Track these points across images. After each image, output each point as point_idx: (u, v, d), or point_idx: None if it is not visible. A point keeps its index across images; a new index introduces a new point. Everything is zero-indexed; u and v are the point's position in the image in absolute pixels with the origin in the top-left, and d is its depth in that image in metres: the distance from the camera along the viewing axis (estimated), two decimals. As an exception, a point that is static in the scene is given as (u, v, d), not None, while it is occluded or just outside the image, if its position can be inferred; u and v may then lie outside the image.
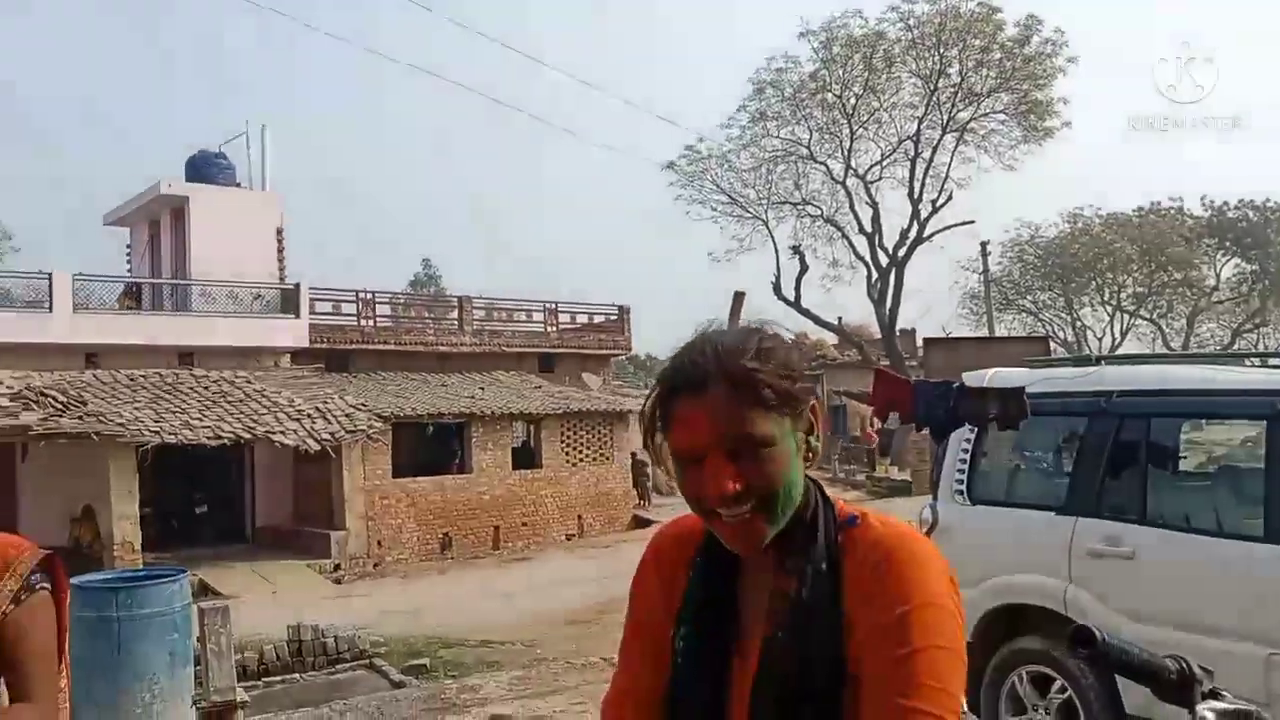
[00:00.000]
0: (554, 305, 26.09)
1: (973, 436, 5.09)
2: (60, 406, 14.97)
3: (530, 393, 21.79)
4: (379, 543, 17.73)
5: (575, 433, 21.04)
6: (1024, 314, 42.96)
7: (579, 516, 20.61)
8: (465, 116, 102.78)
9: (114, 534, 14.88)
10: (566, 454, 20.87)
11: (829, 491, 1.32)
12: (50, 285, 17.79)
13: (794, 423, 1.22)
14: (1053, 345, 33.05)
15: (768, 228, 28.76)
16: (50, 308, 17.67)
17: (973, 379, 5.13)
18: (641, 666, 1.36)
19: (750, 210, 28.96)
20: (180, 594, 6.32)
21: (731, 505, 1.21)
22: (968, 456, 5.11)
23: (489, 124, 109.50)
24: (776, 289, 27.64)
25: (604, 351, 26.86)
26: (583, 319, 27.15)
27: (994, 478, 5.40)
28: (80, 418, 14.72)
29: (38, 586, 1.88)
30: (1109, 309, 41.93)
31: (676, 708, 1.31)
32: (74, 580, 6.42)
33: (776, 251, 28.29)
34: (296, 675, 8.31)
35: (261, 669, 8.29)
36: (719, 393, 1.19)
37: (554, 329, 26.04)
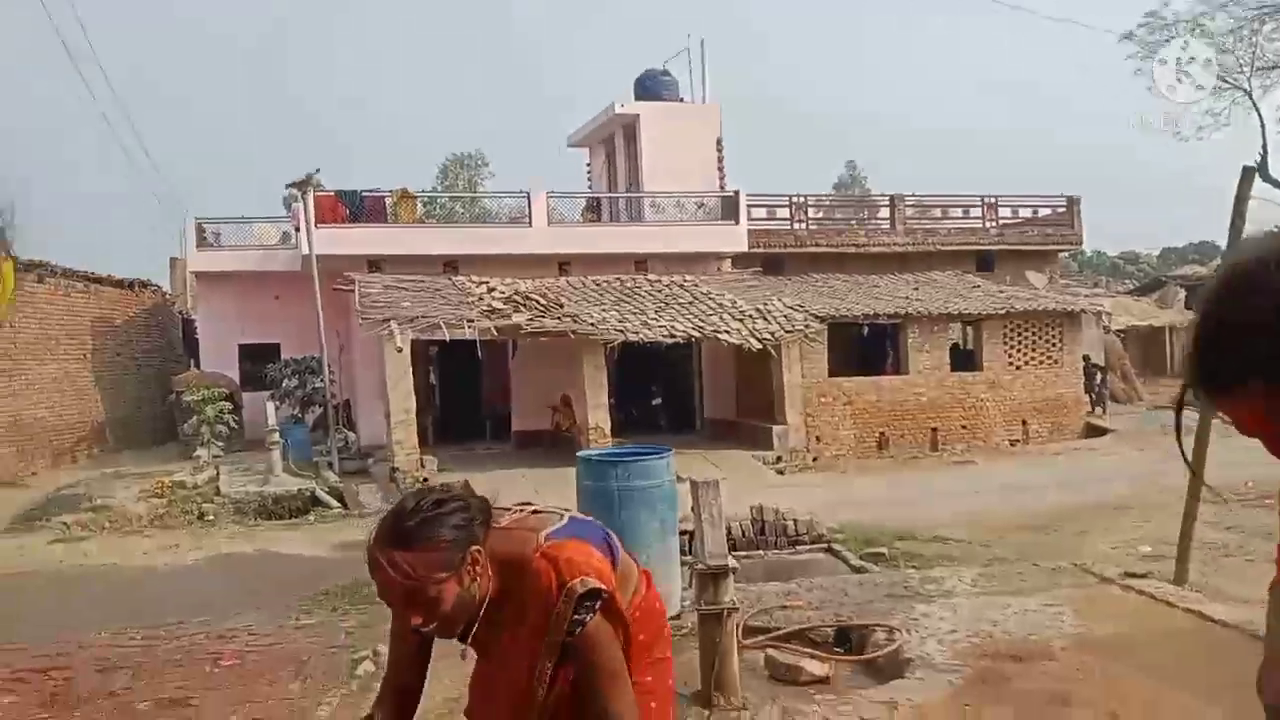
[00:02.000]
0: (993, 199, 24.69)
1: None
2: (542, 308, 17.00)
3: (968, 292, 20.97)
4: (817, 438, 18.27)
5: (1019, 334, 19.97)
6: None
7: (1024, 422, 19.67)
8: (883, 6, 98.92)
9: (588, 420, 16.74)
10: (1009, 356, 19.92)
11: None
12: (529, 202, 20.13)
13: None
14: None
15: (1251, 99, 24.78)
16: (529, 222, 20.02)
17: None
18: None
19: (1229, 79, 25.09)
20: (667, 469, 7.03)
21: None
22: None
23: (910, 8, 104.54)
24: (1263, 169, 23.85)
25: (1050, 247, 25.05)
26: (1025, 213, 25.43)
27: None
28: (559, 319, 16.63)
29: (586, 618, 1.94)
30: None
31: None
32: (580, 453, 7.42)
33: (1263, 125, 24.33)
34: (761, 552, 8.92)
35: (730, 544, 8.97)
36: None
37: (993, 224, 24.70)
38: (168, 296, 25.85)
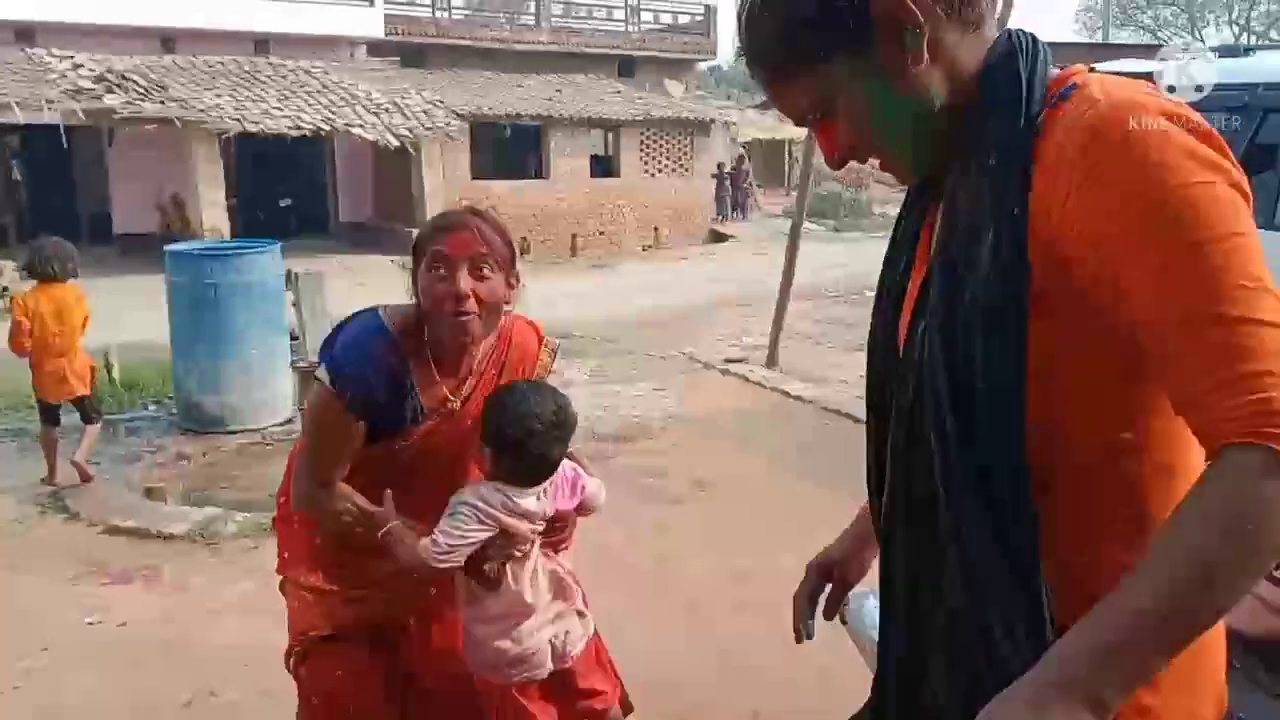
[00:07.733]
0: (636, 2, 24.73)
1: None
2: (142, 91, 14.92)
3: (609, 97, 21.12)
4: (458, 242, 17.98)
5: (655, 142, 20.53)
6: (1142, 31, 39.87)
7: (656, 228, 20.53)
8: None
9: (203, 220, 15.22)
10: (645, 164, 20.50)
11: None
12: (123, -37, 17.26)
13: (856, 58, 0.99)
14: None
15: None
16: (124, -16, 17.23)
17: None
18: None
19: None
20: (273, 265, 6.45)
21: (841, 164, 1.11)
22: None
23: None
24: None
25: (688, 56, 25.69)
26: (666, 19, 25.77)
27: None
28: (162, 103, 14.69)
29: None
30: (1235, 29, 38.66)
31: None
32: (168, 248, 6.63)
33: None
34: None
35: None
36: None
37: (635, 28, 24.83)
38: None
